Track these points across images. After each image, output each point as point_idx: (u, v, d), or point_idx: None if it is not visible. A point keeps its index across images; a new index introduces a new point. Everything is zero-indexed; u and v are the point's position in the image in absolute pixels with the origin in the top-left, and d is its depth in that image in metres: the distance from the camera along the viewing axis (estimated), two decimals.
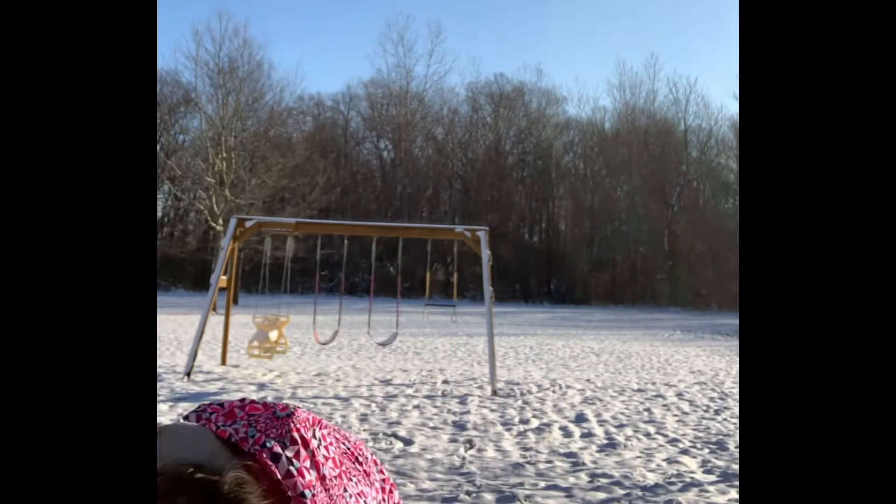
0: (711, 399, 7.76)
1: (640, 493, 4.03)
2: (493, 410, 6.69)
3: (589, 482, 4.26)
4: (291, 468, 0.68)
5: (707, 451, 5.22)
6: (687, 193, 44.00)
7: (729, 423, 6.31)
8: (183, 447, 0.69)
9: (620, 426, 6.07)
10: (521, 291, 40.88)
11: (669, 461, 4.87)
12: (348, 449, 0.77)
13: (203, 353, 10.09)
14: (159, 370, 8.10)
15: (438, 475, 4.37)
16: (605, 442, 5.45)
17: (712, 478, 4.44)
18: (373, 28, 77.17)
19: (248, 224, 8.92)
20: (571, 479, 4.31)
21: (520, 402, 7.18)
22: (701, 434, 5.83)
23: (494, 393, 7.68)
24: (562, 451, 5.11)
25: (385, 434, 5.50)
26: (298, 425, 0.72)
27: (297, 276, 31.91)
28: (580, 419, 6.36)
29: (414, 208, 42.56)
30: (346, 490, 0.72)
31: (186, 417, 0.77)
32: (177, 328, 15.94)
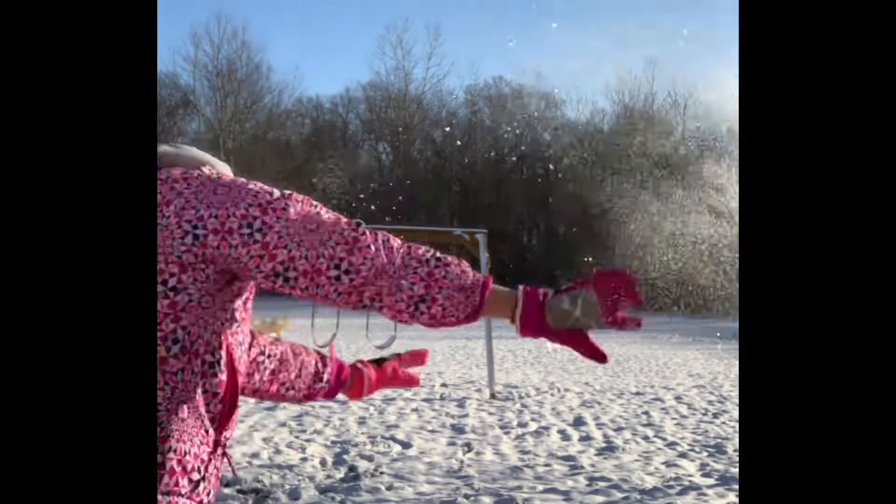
0: (710, 402, 7.75)
1: (638, 497, 4.02)
2: (491, 414, 6.68)
3: (587, 486, 4.26)
4: None
5: (706, 454, 5.22)
6: None
7: (727, 427, 6.31)
8: None
9: (619, 429, 6.07)
10: None
11: (668, 465, 4.87)
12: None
13: None
14: None
15: (436, 478, 4.37)
16: (604, 445, 5.44)
17: (711, 481, 4.44)
18: (371, 30, 77.33)
19: None
20: (570, 483, 4.30)
21: (518, 406, 7.17)
22: (699, 437, 5.82)
23: (493, 396, 7.67)
24: (560, 454, 5.10)
25: (383, 437, 5.50)
26: None
27: None
28: (578, 422, 6.36)
29: (412, 211, 42.54)
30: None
31: None
32: None
